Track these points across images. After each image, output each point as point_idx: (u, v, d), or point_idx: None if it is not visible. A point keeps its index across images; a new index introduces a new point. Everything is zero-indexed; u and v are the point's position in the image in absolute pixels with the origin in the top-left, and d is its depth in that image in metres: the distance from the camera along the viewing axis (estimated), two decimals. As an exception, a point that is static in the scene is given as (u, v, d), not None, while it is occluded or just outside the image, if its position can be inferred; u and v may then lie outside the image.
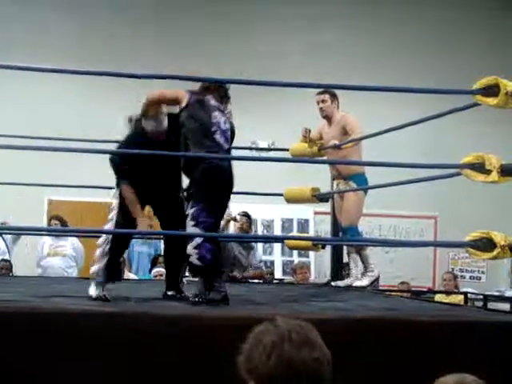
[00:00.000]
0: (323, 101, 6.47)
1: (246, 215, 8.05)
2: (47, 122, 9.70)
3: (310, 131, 6.68)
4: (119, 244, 4.79)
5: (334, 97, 6.48)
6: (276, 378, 1.94)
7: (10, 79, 9.58)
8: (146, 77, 5.04)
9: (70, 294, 4.84)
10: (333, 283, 6.61)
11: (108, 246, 4.70)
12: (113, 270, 4.74)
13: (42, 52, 10.28)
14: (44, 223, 9.97)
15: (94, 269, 4.68)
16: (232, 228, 8.37)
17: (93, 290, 4.58)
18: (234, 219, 7.99)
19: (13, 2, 10.93)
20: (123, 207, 4.78)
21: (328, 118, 6.53)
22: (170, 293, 4.96)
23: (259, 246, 10.06)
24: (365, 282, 6.31)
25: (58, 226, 8.21)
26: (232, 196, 8.84)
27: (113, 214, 4.83)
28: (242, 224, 7.96)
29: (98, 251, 4.75)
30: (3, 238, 8.84)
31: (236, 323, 3.57)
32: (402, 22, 11.94)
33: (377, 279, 6.55)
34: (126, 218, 4.75)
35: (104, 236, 4.79)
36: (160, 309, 4.12)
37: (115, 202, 4.86)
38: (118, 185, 4.87)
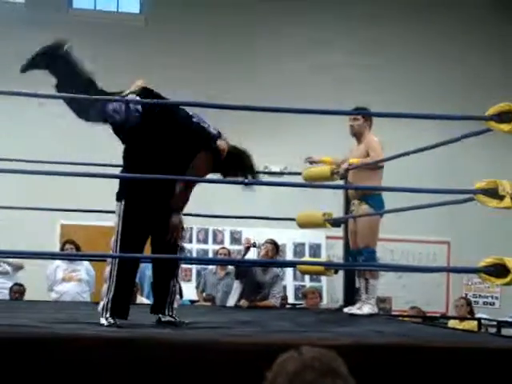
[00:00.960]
0: (355, 119, 6.43)
1: (272, 242, 7.97)
2: (60, 147, 9.76)
3: (310, 158, 6.74)
4: (124, 277, 4.61)
5: (367, 117, 6.44)
6: None
7: (25, 104, 9.63)
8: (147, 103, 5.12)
9: (87, 320, 4.80)
10: (345, 309, 6.57)
11: (114, 281, 4.56)
12: (120, 306, 4.56)
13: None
14: (56, 247, 9.99)
15: (100, 306, 4.55)
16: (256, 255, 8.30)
17: (103, 320, 4.52)
18: (254, 245, 7.93)
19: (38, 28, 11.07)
20: (124, 233, 4.64)
21: (357, 137, 6.51)
22: (165, 319, 4.77)
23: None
24: (365, 310, 6.24)
25: (73, 251, 8.23)
26: (245, 220, 8.84)
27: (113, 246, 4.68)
28: (267, 251, 7.88)
29: (104, 286, 4.61)
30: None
31: (247, 349, 3.57)
32: (408, 45, 12.02)
33: (376, 314, 6.44)
34: (127, 245, 4.62)
35: (108, 270, 4.61)
36: (176, 335, 4.11)
37: (116, 229, 4.69)
38: (118, 198, 4.74)
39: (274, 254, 7.89)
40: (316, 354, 2.02)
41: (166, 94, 5.04)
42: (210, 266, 9.41)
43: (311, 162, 6.76)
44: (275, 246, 7.92)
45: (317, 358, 1.99)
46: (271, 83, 11.30)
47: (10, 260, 8.87)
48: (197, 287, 9.38)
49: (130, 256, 4.65)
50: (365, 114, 6.41)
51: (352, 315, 6.20)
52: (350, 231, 6.55)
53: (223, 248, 9.83)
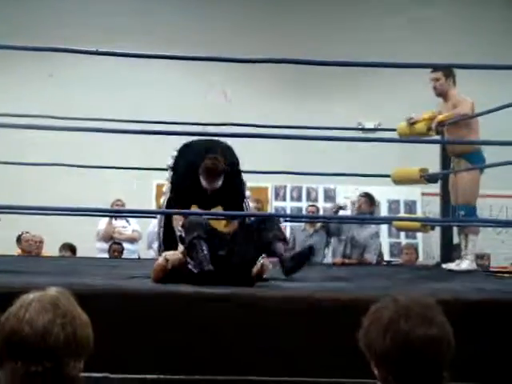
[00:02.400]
0: (436, 79, 6.31)
1: (365, 196, 7.87)
2: (155, 107, 9.88)
3: (411, 119, 6.54)
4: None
5: (448, 74, 6.30)
6: (392, 355, 1.93)
7: (120, 66, 9.76)
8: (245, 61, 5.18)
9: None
10: (444, 265, 6.48)
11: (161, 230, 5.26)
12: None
13: (154, 39, 10.48)
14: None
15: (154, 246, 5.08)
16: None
17: None
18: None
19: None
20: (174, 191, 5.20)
21: (443, 96, 6.38)
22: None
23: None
24: (463, 265, 6.13)
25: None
26: (339, 178, 8.76)
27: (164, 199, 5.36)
28: (361, 204, 7.81)
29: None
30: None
31: (344, 304, 3.57)
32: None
33: (475, 271, 6.30)
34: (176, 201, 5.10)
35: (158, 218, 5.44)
36: (272, 290, 4.12)
37: (167, 186, 5.35)
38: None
39: (368, 207, 7.77)
40: (411, 302, 2.00)
41: (263, 53, 5.09)
42: (299, 223, 9.41)
43: (412, 123, 6.57)
44: (369, 199, 7.81)
45: (411, 307, 1.98)
46: (370, 39, 11.10)
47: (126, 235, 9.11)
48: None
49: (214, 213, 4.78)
50: (451, 67, 6.28)
51: (450, 271, 6.11)
52: (451, 188, 6.42)
53: (312, 206, 9.80)
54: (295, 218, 9.69)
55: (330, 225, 8.00)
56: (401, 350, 1.93)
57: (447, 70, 6.27)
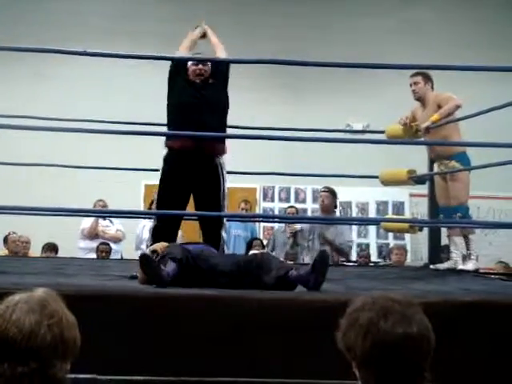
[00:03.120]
0: (415, 83, 6.37)
1: (327, 190, 7.87)
2: (148, 108, 9.85)
3: (408, 120, 6.53)
4: (161, 224, 5.20)
5: (427, 78, 6.35)
6: (373, 357, 1.93)
7: (110, 66, 9.72)
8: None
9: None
10: (432, 266, 6.49)
11: (151, 233, 5.27)
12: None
13: (142, 39, 10.47)
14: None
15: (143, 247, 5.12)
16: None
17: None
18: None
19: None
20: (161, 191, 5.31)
21: (421, 101, 6.42)
22: None
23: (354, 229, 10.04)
24: (470, 266, 6.14)
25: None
26: (327, 179, 8.79)
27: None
28: (323, 199, 7.82)
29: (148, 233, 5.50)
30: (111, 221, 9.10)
31: (331, 306, 3.56)
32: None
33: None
34: (164, 201, 5.22)
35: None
36: (264, 292, 4.11)
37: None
38: None
39: (330, 202, 7.79)
40: (389, 302, 1.99)
41: (243, 53, 5.08)
42: (279, 225, 9.39)
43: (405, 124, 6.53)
44: (331, 193, 7.81)
45: (390, 306, 1.97)
46: (359, 40, 11.09)
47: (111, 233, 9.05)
48: (266, 246, 9.31)
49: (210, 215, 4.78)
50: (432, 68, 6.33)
51: (461, 271, 6.10)
52: (439, 191, 6.43)
53: (291, 207, 9.76)
54: (282, 219, 9.68)
55: (298, 239, 8.05)
56: (381, 351, 1.92)
57: (426, 75, 6.31)
